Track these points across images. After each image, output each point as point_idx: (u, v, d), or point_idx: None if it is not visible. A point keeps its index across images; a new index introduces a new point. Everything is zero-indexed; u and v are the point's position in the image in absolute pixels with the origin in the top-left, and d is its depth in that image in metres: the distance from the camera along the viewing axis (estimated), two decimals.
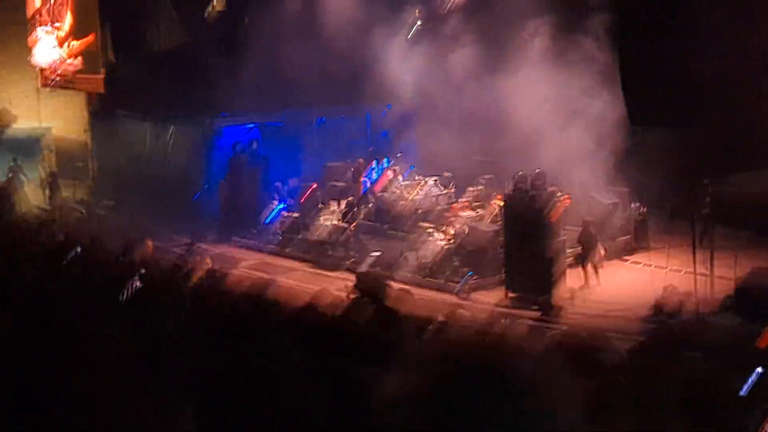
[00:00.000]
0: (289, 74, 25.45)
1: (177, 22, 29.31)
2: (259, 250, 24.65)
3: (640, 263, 22.30)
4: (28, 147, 32.21)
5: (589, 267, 21.51)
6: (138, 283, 13.63)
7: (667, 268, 20.27)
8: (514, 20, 26.03)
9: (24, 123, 32.60)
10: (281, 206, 25.52)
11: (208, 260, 21.45)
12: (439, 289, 21.13)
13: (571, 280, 20.94)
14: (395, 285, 19.93)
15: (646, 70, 26.09)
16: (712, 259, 19.27)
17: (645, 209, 23.70)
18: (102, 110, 30.88)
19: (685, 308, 18.79)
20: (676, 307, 18.61)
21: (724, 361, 12.77)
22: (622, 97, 25.89)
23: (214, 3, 29.62)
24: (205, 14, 28.87)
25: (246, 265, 22.71)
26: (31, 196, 29.01)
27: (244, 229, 25.71)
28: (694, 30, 24.59)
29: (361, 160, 26.86)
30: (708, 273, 19.17)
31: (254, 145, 26.91)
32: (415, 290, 20.63)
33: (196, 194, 27.71)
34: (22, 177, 29.56)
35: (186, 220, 26.63)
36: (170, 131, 28.68)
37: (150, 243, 22.90)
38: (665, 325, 18.17)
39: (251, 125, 28.04)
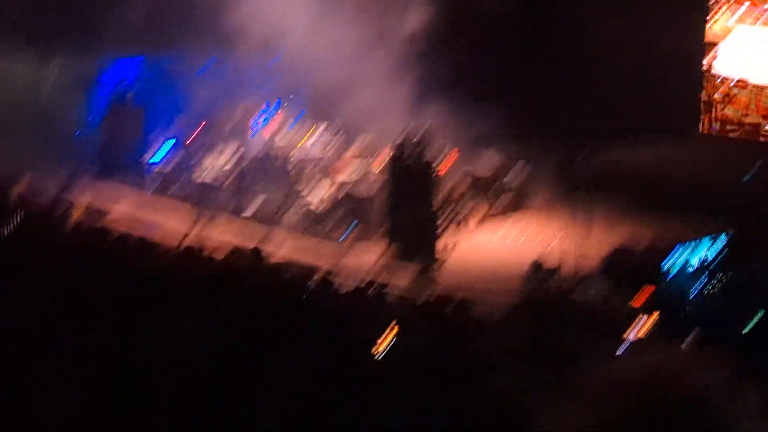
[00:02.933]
0: (174, 15, 24.95)
1: None
2: (131, 200, 24.26)
3: (520, 224, 22.63)
4: None
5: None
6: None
7: (535, 240, 20.64)
8: None
9: None
10: (167, 146, 25.14)
11: (79, 207, 21.20)
12: (321, 238, 21.15)
13: (443, 247, 21.18)
14: (278, 232, 20.23)
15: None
16: (584, 232, 19.70)
17: (529, 169, 24.00)
18: None
19: (552, 282, 19.21)
20: (542, 281, 19.02)
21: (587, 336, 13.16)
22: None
23: None
24: None
25: (116, 215, 22.30)
26: None
27: (118, 177, 25.27)
28: None
29: (250, 104, 26.55)
30: (575, 247, 19.61)
31: (129, 96, 26.40)
32: (298, 238, 20.91)
33: (71, 140, 27.11)
34: None
35: (59, 164, 26.05)
36: (48, 70, 27.89)
37: (26, 181, 22.51)
38: (530, 299, 18.55)
39: (132, 69, 27.44)
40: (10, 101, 28.14)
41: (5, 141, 27.11)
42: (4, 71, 28.70)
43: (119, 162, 25.47)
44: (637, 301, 17.47)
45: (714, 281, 18.21)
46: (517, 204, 23.81)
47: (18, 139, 26.85)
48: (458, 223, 22.50)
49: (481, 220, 23.00)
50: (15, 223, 13.59)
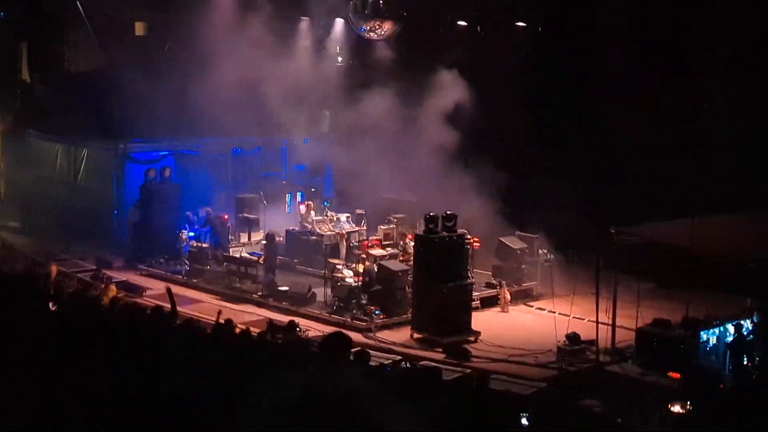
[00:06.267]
0: (205, 103, 25.37)
1: (95, 44, 29.04)
2: (166, 279, 24.26)
3: (545, 309, 22.60)
4: None
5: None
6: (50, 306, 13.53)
7: (570, 315, 20.54)
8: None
9: None
10: (191, 235, 25.20)
11: (113, 288, 21.32)
12: (344, 327, 21.05)
13: (476, 323, 21.08)
14: (301, 320, 20.18)
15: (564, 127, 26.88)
16: (614, 308, 19.58)
17: (552, 255, 24.06)
18: (13, 129, 30.37)
19: (586, 356, 19.09)
20: (577, 355, 18.91)
21: (621, 407, 13.01)
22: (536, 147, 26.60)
23: (135, 28, 29.45)
24: (124, 39, 28.71)
25: (151, 294, 22.37)
26: None
27: (153, 256, 25.36)
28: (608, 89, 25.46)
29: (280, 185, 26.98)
30: (609, 322, 19.48)
31: (167, 173, 26.61)
32: (320, 326, 20.82)
33: (107, 218, 27.36)
34: None
35: (94, 245, 26.28)
36: (82, 154, 28.29)
37: (54, 267, 22.69)
38: (566, 372, 18.44)
39: (166, 152, 27.83)
40: (49, 186, 28.59)
41: (46, 221, 27.49)
42: (43, 156, 29.22)
43: (156, 238, 25.64)
44: (673, 374, 17.35)
45: (741, 360, 18.13)
46: (549, 280, 23.79)
47: (58, 219, 27.24)
48: (490, 299, 22.64)
49: (514, 296, 23.01)
50: (56, 300, 13.84)
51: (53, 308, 13.86)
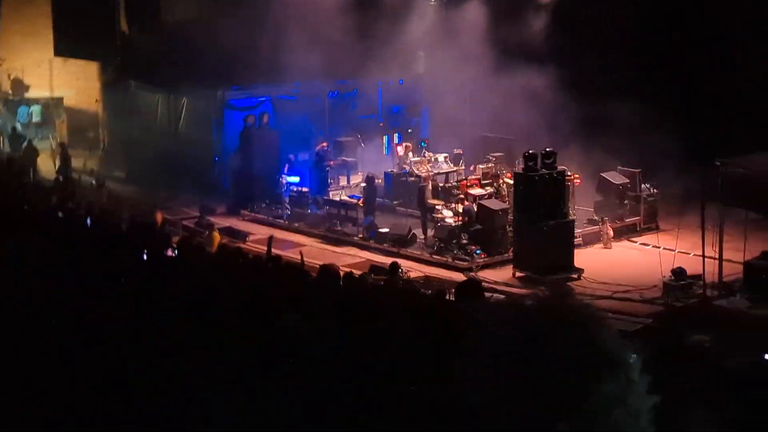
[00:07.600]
0: (299, 47, 25.40)
1: None
2: (268, 224, 24.62)
3: (649, 245, 22.27)
4: (40, 116, 32.33)
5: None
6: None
7: (675, 250, 20.20)
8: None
9: (36, 92, 32.65)
10: (292, 179, 25.40)
11: (216, 234, 21.67)
12: (446, 267, 21.11)
13: (579, 260, 20.90)
14: (403, 261, 20.26)
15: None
16: (721, 242, 19.20)
17: (656, 190, 23.65)
18: (114, 81, 30.88)
19: (693, 291, 18.80)
20: (683, 290, 18.62)
21: (731, 343, 12.84)
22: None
23: None
24: None
25: (254, 239, 22.71)
26: (42, 165, 29.07)
27: (254, 202, 25.67)
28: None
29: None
30: (716, 256, 19.11)
31: (265, 119, 26.79)
32: (422, 267, 20.91)
33: (208, 166, 27.73)
34: (36, 147, 29.59)
35: (196, 192, 26.69)
36: (182, 103, 28.65)
37: (160, 215, 23.15)
38: (672, 308, 18.20)
39: (263, 98, 27.99)
40: (151, 135, 29.09)
41: (150, 170, 28.04)
42: (144, 106, 29.71)
43: (256, 184, 25.92)
44: None
45: None
46: (652, 215, 23.44)
47: (160, 167, 27.74)
48: (593, 236, 22.42)
49: (617, 232, 22.72)
50: (165, 245, 14.19)
51: (172, 254, 14.18)
